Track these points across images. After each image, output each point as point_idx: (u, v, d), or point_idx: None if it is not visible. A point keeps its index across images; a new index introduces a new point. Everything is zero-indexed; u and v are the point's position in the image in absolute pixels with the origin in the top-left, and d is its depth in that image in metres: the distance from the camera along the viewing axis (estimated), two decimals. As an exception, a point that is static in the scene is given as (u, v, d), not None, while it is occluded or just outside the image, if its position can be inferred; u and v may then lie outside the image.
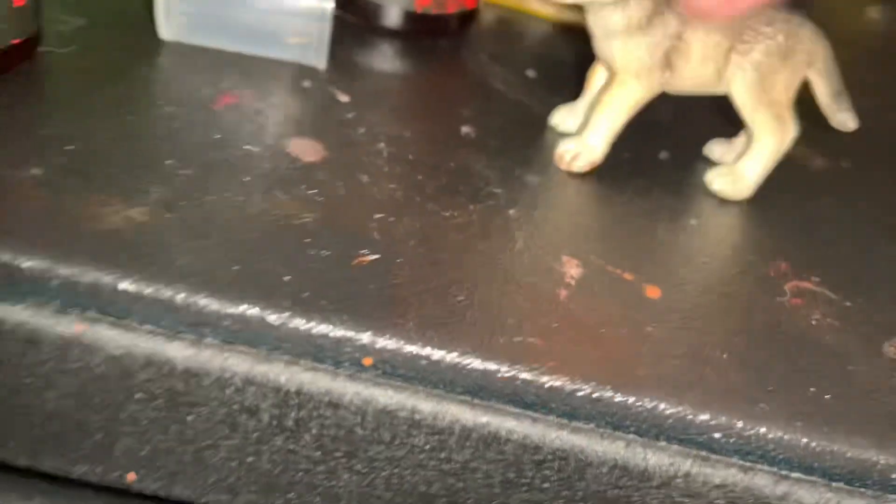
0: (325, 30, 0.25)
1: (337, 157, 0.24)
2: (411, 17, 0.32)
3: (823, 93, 0.27)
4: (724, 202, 0.27)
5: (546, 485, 0.18)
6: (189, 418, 0.18)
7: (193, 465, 0.18)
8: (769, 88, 0.26)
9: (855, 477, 0.18)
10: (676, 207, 0.27)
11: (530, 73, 0.33)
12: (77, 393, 0.18)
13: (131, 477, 0.19)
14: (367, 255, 0.20)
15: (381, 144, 0.25)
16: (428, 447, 0.18)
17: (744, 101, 0.26)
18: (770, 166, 0.27)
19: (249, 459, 0.18)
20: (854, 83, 0.27)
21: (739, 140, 0.29)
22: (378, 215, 0.22)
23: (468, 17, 0.34)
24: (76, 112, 0.22)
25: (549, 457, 0.18)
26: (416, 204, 0.23)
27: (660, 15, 0.25)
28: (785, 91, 0.26)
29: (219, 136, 0.23)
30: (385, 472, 0.18)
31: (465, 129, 0.28)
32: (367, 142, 0.25)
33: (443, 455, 0.18)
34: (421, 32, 0.33)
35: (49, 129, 0.21)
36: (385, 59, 0.31)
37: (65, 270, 0.17)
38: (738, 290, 0.23)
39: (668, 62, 0.25)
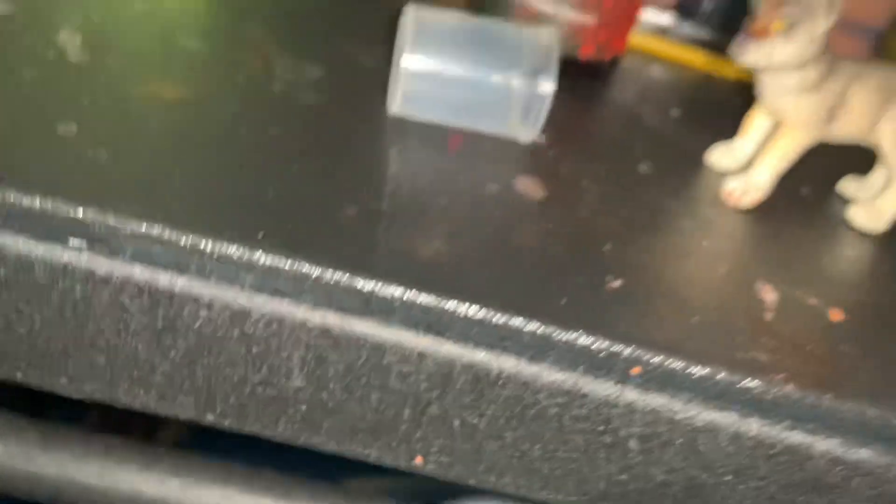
0: (544, 110, 0.29)
1: (556, 194, 0.28)
2: (573, 63, 0.36)
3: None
4: (863, 234, 0.32)
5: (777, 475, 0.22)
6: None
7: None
8: (915, 141, 0.30)
9: None
10: (829, 237, 0.31)
11: (674, 112, 0.38)
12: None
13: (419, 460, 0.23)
14: (614, 280, 0.24)
15: (584, 181, 0.29)
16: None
17: (890, 152, 0.30)
18: (907, 206, 0.31)
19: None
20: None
21: (870, 179, 0.33)
22: (607, 246, 0.26)
23: (617, 60, 0.38)
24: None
25: (776, 451, 0.22)
26: (631, 237, 0.27)
27: (830, 77, 0.29)
28: (928, 145, 0.30)
29: (466, 179, 0.27)
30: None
31: (642, 168, 0.32)
32: (572, 179, 0.29)
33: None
34: (582, 75, 0.37)
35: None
36: (560, 101, 0.35)
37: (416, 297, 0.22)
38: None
39: (831, 116, 0.30)
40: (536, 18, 0.35)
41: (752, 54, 0.28)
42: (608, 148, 0.33)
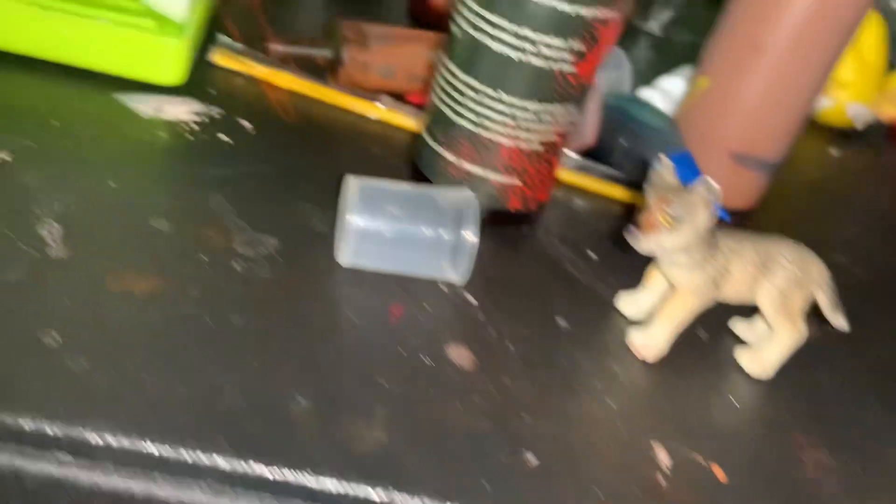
0: (471, 257, 0.34)
1: (484, 362, 0.32)
2: (501, 213, 0.41)
3: (825, 304, 0.36)
4: (753, 380, 0.37)
5: None
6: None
7: None
8: (788, 304, 0.35)
9: None
10: (719, 385, 0.36)
11: (592, 255, 0.42)
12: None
13: None
14: (530, 457, 0.28)
15: (510, 345, 0.34)
16: None
17: (768, 312, 0.36)
18: (787, 356, 0.36)
19: None
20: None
21: (758, 322, 0.38)
22: (528, 419, 0.30)
23: (544, 205, 0.43)
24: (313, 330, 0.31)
25: None
26: (546, 404, 0.31)
27: (713, 255, 0.34)
28: (799, 306, 0.35)
29: (401, 350, 0.31)
30: None
31: (560, 322, 0.36)
32: (499, 342, 0.34)
33: None
34: (507, 223, 0.42)
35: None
36: (488, 254, 0.40)
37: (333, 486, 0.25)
38: (775, 466, 0.32)
39: (717, 285, 0.35)
40: (469, 178, 0.40)
41: (643, 244, 0.32)
42: (531, 300, 0.37)
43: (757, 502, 0.30)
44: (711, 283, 0.34)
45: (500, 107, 0.38)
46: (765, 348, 0.37)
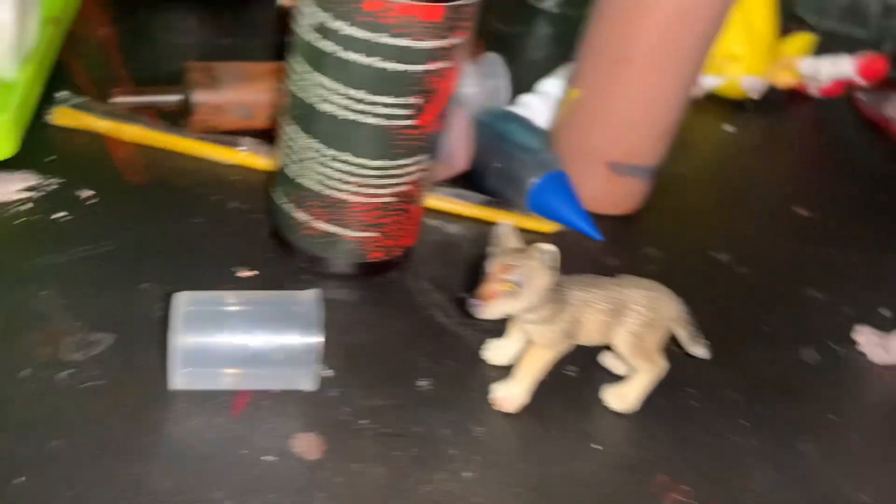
0: (317, 360, 0.32)
1: (333, 448, 0.32)
2: (364, 265, 0.40)
3: (683, 338, 0.36)
4: (619, 415, 0.37)
5: None
6: None
7: None
8: (643, 345, 0.35)
9: None
10: (585, 430, 0.36)
11: (463, 295, 0.42)
12: None
13: None
14: (374, 555, 0.28)
15: (364, 421, 0.33)
16: None
17: (624, 354, 0.35)
18: (649, 390, 0.36)
19: None
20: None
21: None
22: (374, 507, 0.30)
23: (410, 250, 0.42)
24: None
25: None
26: (399, 486, 0.31)
27: (561, 309, 0.33)
28: (654, 345, 0.35)
29: (243, 451, 0.30)
30: None
31: (421, 383, 0.36)
32: (353, 422, 0.33)
33: None
34: (373, 273, 0.41)
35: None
36: (346, 308, 0.39)
37: None
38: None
39: (569, 335, 0.34)
40: (325, 237, 0.38)
41: (486, 313, 0.32)
42: (393, 363, 0.36)
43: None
44: (563, 335, 0.34)
45: (343, 167, 0.36)
46: (627, 384, 0.37)
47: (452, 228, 0.47)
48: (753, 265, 0.51)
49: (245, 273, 0.39)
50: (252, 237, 0.41)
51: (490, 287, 0.31)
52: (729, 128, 0.69)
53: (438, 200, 0.46)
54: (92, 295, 0.35)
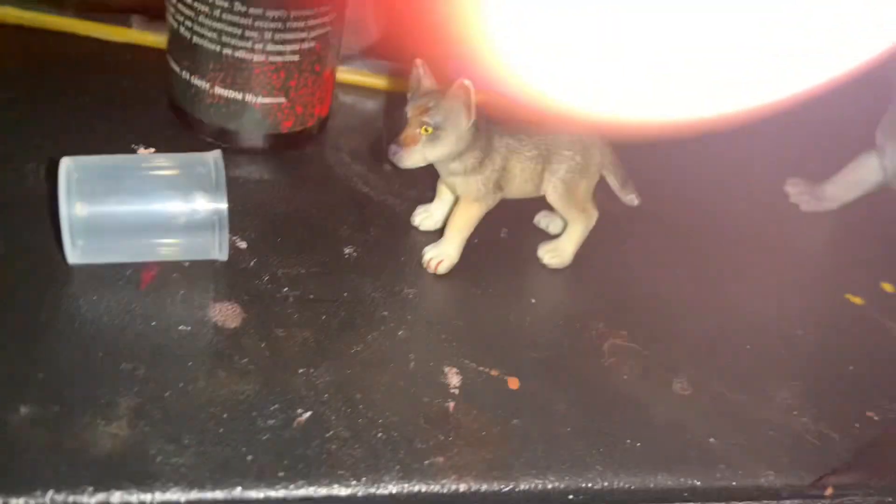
0: (224, 226, 0.29)
1: (253, 315, 0.29)
2: (276, 137, 0.37)
3: (614, 183, 0.35)
4: (553, 271, 0.36)
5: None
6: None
7: None
8: (574, 193, 0.34)
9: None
10: (520, 286, 0.34)
11: (387, 166, 0.39)
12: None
13: None
14: (302, 414, 0.26)
15: (286, 289, 0.31)
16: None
17: (556, 204, 0.34)
18: (581, 241, 0.35)
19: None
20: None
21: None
22: (301, 370, 0.28)
23: (325, 120, 0.39)
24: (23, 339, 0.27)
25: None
26: (326, 348, 0.29)
27: (488, 156, 0.31)
28: (586, 192, 0.34)
29: (154, 322, 0.28)
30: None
31: (347, 251, 0.34)
32: (273, 290, 0.31)
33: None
34: (287, 147, 0.38)
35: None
36: (262, 185, 0.36)
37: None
38: (573, 362, 0.31)
39: (498, 186, 0.32)
40: (227, 104, 0.35)
41: (406, 160, 0.30)
42: (315, 233, 0.34)
43: (550, 402, 0.29)
44: (492, 185, 0.32)
45: (238, 19, 0.33)
46: (561, 239, 0.36)
47: (369, 104, 0.44)
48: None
49: (145, 151, 0.36)
50: (150, 113, 0.38)
51: (408, 131, 0.29)
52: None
53: (351, 73, 0.44)
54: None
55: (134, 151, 0.35)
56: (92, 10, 0.42)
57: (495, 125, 0.32)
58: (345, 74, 0.43)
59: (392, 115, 0.43)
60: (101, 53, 0.41)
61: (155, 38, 0.42)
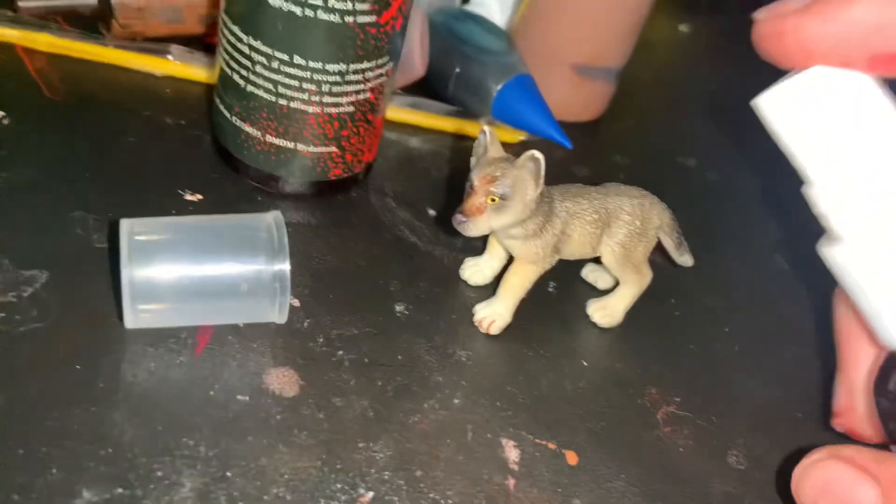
0: (286, 289, 0.28)
1: (310, 382, 0.29)
2: (322, 183, 0.36)
3: (670, 246, 0.35)
4: (603, 330, 0.35)
5: None
6: None
7: None
8: (631, 256, 0.33)
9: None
10: (571, 347, 0.34)
11: (431, 211, 0.39)
12: None
13: None
14: (365, 494, 0.26)
15: (340, 352, 0.30)
16: None
17: (612, 266, 0.34)
18: (633, 301, 0.35)
19: None
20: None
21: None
22: (360, 443, 0.27)
23: (372, 164, 0.39)
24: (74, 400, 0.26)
25: None
26: (385, 419, 0.29)
27: (549, 221, 0.31)
28: (643, 255, 0.34)
29: (212, 392, 0.27)
30: None
31: (398, 308, 0.33)
32: (328, 353, 0.30)
33: None
34: (332, 191, 0.37)
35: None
36: (309, 233, 0.35)
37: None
38: (629, 432, 0.31)
39: (556, 250, 0.32)
40: (278, 152, 0.34)
41: (472, 230, 0.29)
42: (364, 287, 0.34)
43: (608, 478, 0.29)
44: (550, 249, 0.32)
45: (296, 72, 0.32)
46: (612, 297, 0.35)
47: (413, 142, 0.43)
48: (719, 169, 0.49)
49: (193, 196, 0.35)
50: (195, 156, 0.37)
51: (475, 201, 0.29)
52: (684, 28, 0.67)
53: (396, 111, 0.43)
54: (16, 228, 0.31)
55: (181, 197, 0.35)
56: (129, 38, 0.41)
57: (555, 189, 0.32)
58: (389, 112, 0.43)
59: (438, 156, 0.43)
60: (140, 87, 0.40)
61: (195, 71, 0.41)
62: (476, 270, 0.35)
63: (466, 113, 0.44)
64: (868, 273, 0.22)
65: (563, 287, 0.37)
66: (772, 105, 0.23)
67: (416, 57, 0.43)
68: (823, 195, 0.22)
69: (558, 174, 0.44)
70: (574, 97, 0.47)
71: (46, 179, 0.33)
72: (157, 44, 0.41)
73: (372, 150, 0.37)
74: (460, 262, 0.36)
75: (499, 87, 0.43)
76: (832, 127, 0.22)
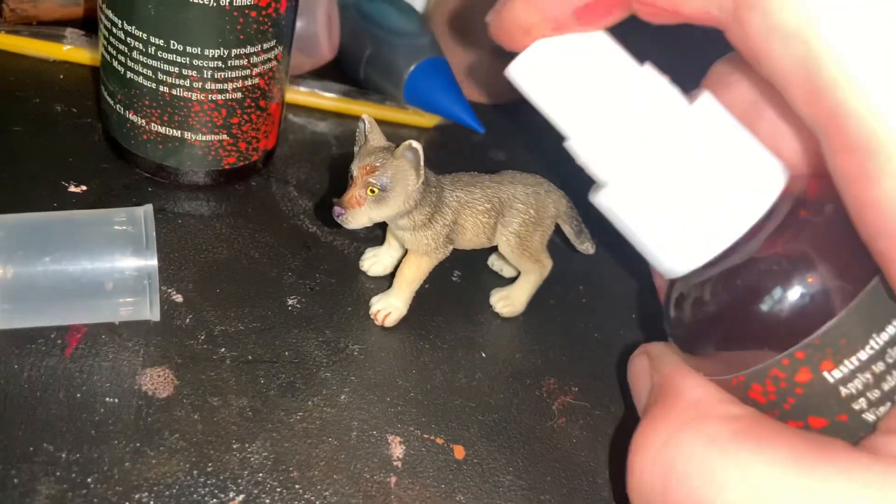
0: (155, 286, 0.27)
1: (186, 382, 0.28)
2: (217, 172, 0.35)
3: (570, 233, 0.34)
4: (505, 319, 0.35)
5: None
6: None
7: None
8: (527, 245, 0.32)
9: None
10: (470, 338, 0.33)
11: (336, 199, 0.38)
12: None
13: None
14: (235, 498, 0.25)
15: (223, 350, 0.30)
16: None
17: (509, 256, 0.33)
18: (534, 290, 0.34)
19: None
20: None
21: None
22: (235, 444, 0.27)
23: (272, 150, 0.38)
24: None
25: None
26: (265, 417, 0.28)
27: (438, 211, 0.30)
28: (540, 244, 0.33)
29: (79, 395, 0.26)
30: None
31: (290, 302, 0.32)
32: (209, 351, 0.29)
33: None
34: (229, 181, 0.36)
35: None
36: (202, 225, 0.34)
37: None
38: (522, 424, 0.31)
39: (449, 240, 0.31)
40: (164, 141, 0.33)
41: (351, 222, 0.28)
42: (254, 283, 0.33)
43: (495, 472, 0.28)
44: (442, 240, 0.31)
45: (174, 57, 0.31)
46: (514, 287, 0.35)
47: (320, 126, 0.42)
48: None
49: (77, 188, 0.34)
50: (84, 145, 0.36)
51: (354, 192, 0.28)
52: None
53: (300, 94, 0.42)
54: None
55: (65, 189, 0.33)
56: (22, 22, 0.40)
57: (445, 179, 0.31)
58: (295, 95, 0.41)
59: (345, 141, 0.42)
60: (31, 72, 0.39)
61: (91, 56, 0.39)
62: (376, 261, 0.34)
63: (375, 95, 0.43)
64: (634, 212, 0.23)
65: (467, 276, 0.36)
66: (518, 76, 0.24)
67: (322, 40, 0.42)
68: (581, 147, 0.23)
69: (476, 158, 0.44)
70: (493, 79, 0.46)
71: (-82, 173, 0.32)
72: (51, 28, 0.40)
73: (269, 136, 0.36)
74: (362, 253, 0.35)
75: (410, 69, 0.42)
76: (575, 84, 0.23)
